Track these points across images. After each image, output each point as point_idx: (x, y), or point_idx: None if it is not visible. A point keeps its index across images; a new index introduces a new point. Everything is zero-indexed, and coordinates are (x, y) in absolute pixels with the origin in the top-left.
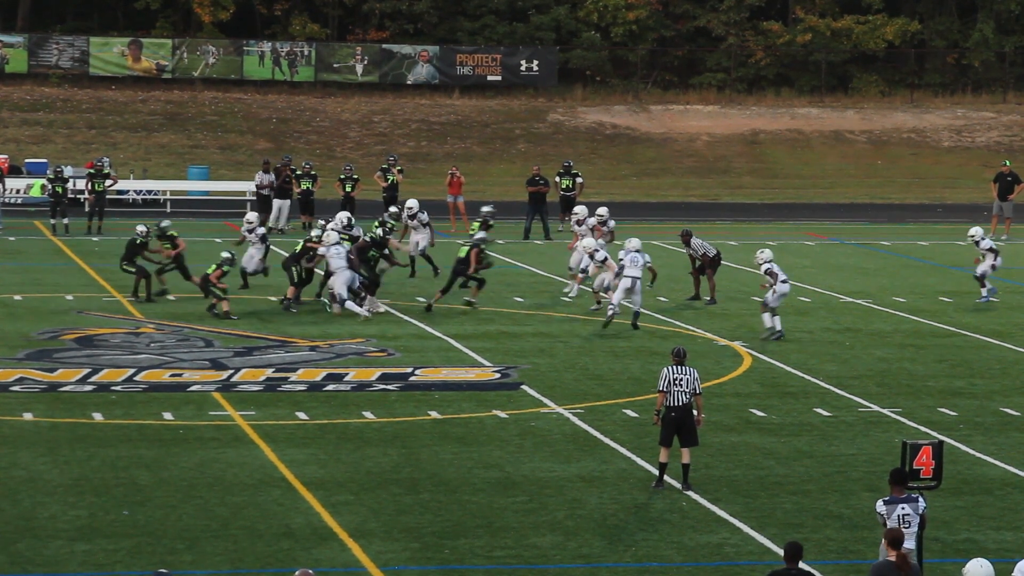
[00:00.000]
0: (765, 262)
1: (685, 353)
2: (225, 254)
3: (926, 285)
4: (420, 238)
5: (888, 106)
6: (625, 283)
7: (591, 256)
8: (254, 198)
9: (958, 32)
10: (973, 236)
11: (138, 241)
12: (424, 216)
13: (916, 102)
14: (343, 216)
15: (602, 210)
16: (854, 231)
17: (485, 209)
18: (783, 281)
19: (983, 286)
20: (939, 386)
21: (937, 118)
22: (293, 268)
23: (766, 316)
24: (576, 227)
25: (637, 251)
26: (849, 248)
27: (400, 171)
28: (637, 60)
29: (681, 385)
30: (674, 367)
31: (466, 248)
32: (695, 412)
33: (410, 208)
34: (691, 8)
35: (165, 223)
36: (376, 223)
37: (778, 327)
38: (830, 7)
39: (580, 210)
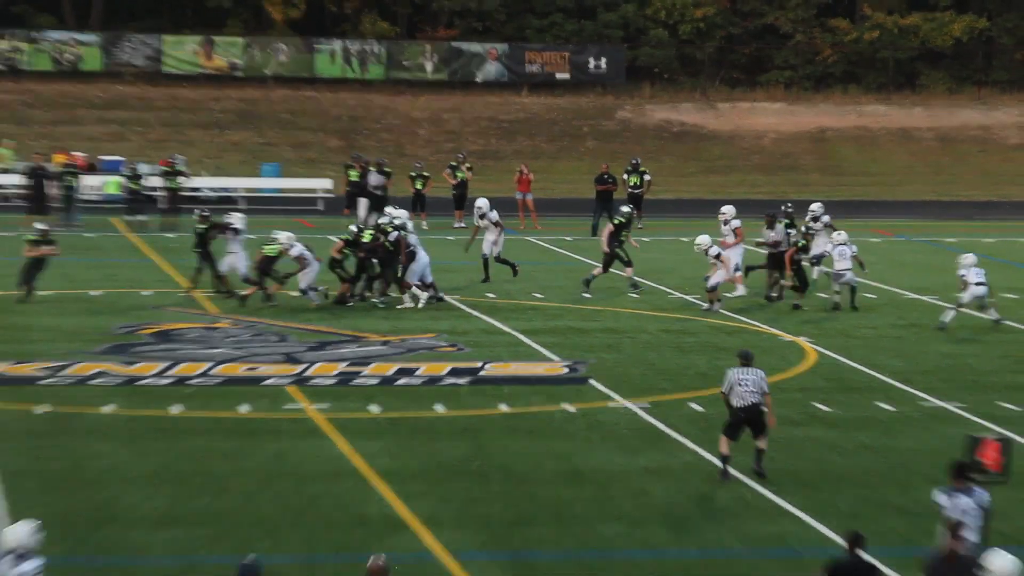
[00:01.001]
0: (965, 267)
1: (751, 356)
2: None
3: (991, 281)
4: (492, 237)
5: (955, 103)
6: (838, 276)
7: (706, 253)
8: (330, 195)
9: None
10: None
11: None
12: (494, 215)
13: (984, 99)
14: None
15: (726, 208)
16: (921, 228)
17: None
18: (977, 284)
19: None
20: (1003, 381)
21: (1005, 115)
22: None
23: (950, 312)
24: (722, 227)
25: (844, 244)
26: (915, 245)
27: (470, 168)
28: (704, 57)
29: (747, 386)
30: (739, 368)
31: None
32: (765, 410)
33: (479, 208)
34: (759, 5)
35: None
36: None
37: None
38: (898, 4)
39: (727, 209)
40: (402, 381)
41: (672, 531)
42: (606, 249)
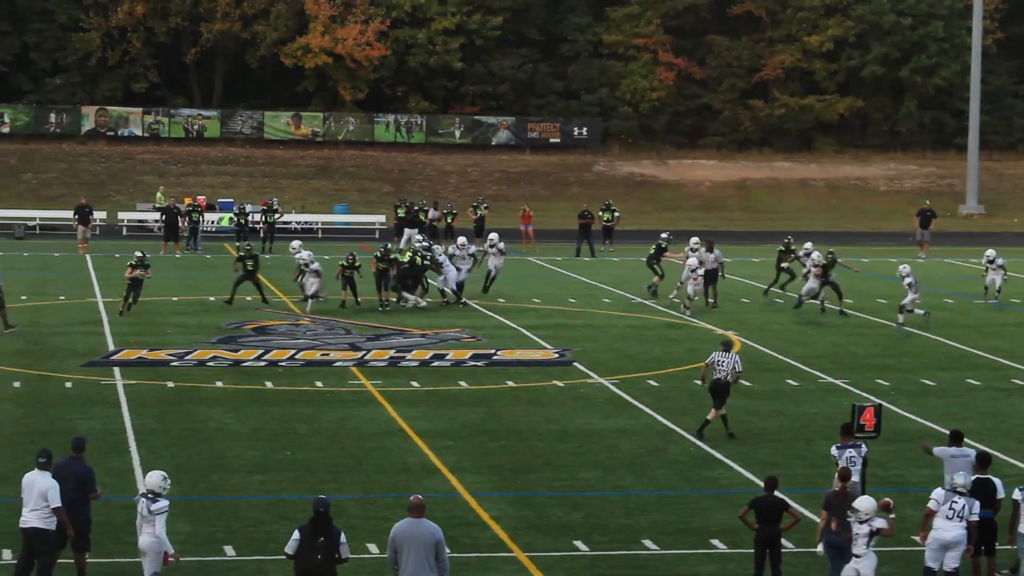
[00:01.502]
0: (905, 275)
1: (731, 343)
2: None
3: (868, 291)
4: (496, 262)
5: (840, 161)
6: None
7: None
8: (384, 227)
9: (891, 108)
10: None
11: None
12: (502, 245)
13: (861, 158)
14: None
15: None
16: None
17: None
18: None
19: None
20: (877, 363)
21: (876, 170)
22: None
23: (900, 315)
24: (804, 259)
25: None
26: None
27: (487, 207)
28: (659, 127)
29: (722, 366)
30: (721, 352)
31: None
32: (731, 383)
33: (491, 239)
34: (698, 90)
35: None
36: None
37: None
38: (798, 89)
39: (809, 246)
40: (436, 363)
41: (635, 476)
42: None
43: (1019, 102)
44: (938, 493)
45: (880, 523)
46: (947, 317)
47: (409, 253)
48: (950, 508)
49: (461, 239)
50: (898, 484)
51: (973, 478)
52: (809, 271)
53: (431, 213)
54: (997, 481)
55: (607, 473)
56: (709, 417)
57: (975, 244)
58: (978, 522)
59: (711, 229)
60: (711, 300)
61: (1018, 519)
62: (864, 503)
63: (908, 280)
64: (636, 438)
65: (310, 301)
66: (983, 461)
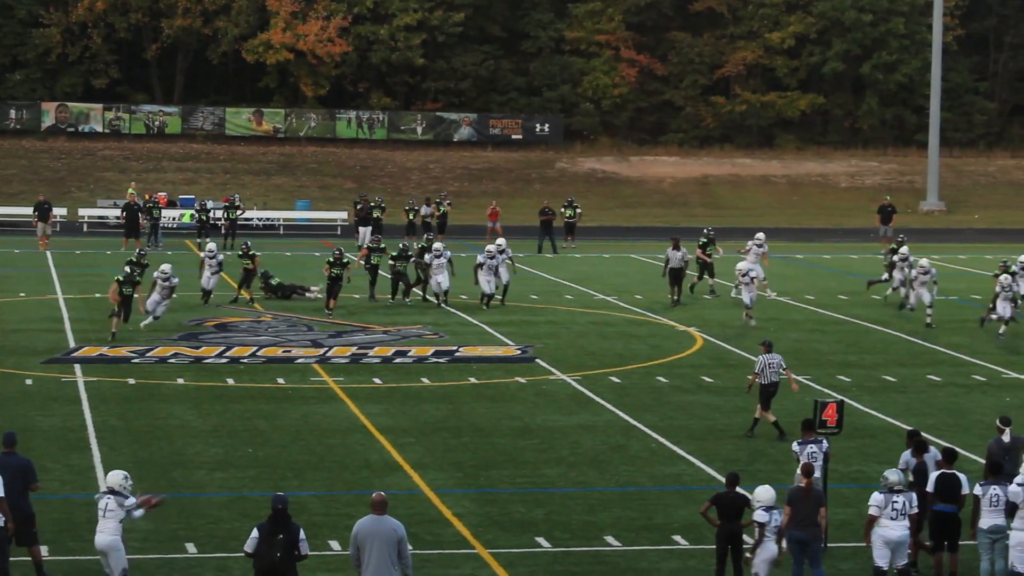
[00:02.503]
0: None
1: (771, 344)
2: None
3: (828, 287)
4: (441, 278)
5: (802, 158)
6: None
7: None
8: (345, 223)
9: (852, 104)
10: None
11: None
12: (511, 252)
13: (822, 154)
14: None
15: (760, 235)
16: (777, 247)
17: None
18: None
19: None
20: (838, 360)
21: (837, 166)
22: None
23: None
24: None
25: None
26: (773, 260)
27: (450, 204)
28: (620, 124)
29: (772, 367)
30: (765, 355)
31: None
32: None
33: (437, 249)
34: (659, 86)
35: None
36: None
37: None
38: (759, 86)
39: (760, 236)
40: (398, 360)
41: (598, 472)
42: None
43: (979, 99)
44: (876, 498)
45: (777, 516)
46: (908, 313)
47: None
48: (892, 508)
49: (437, 245)
50: (859, 480)
51: (938, 473)
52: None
53: (423, 210)
54: (962, 477)
55: (569, 469)
56: (757, 416)
57: (936, 241)
58: (939, 517)
59: (672, 226)
60: (675, 298)
61: (979, 514)
62: (763, 493)
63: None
64: (598, 434)
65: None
66: (949, 457)
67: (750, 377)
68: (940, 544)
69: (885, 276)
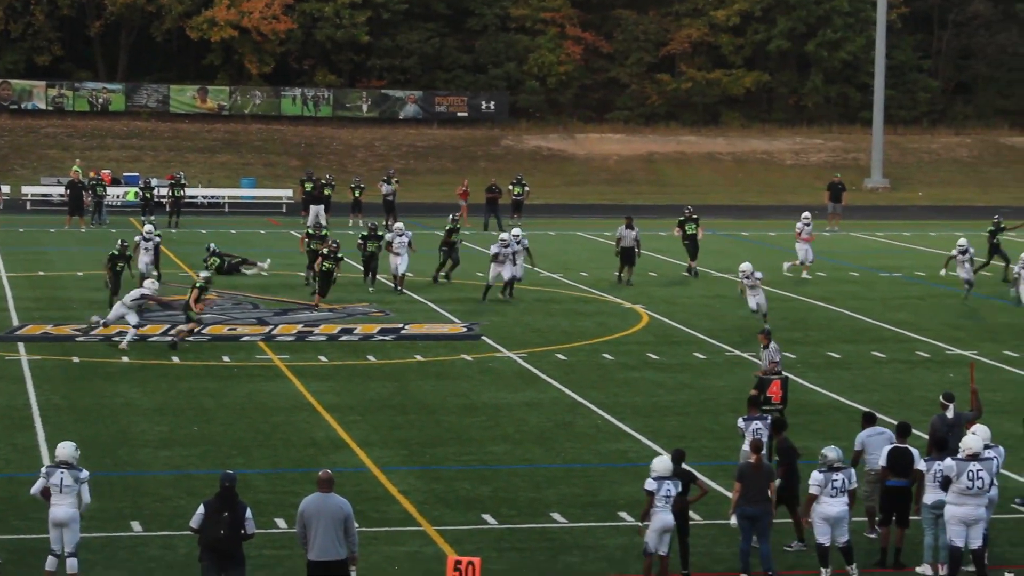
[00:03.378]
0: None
1: (770, 332)
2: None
3: (774, 264)
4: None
5: (747, 135)
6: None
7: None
8: (290, 201)
9: (797, 82)
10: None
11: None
12: (527, 242)
13: (767, 132)
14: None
15: (806, 215)
16: (723, 225)
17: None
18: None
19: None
20: (783, 336)
21: (782, 144)
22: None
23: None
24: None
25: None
26: (719, 237)
27: (398, 182)
28: (566, 101)
29: (774, 356)
30: (767, 348)
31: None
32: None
33: (399, 228)
34: (605, 64)
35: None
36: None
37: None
38: (705, 64)
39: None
40: (344, 338)
41: (544, 449)
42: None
43: (923, 76)
44: (816, 476)
45: (669, 487)
46: (853, 290)
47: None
48: (831, 486)
49: (398, 225)
50: (804, 456)
51: (891, 447)
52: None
53: (384, 188)
54: (914, 451)
55: (515, 447)
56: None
57: (880, 218)
58: (890, 491)
59: (618, 203)
60: (623, 276)
61: (923, 489)
62: (657, 463)
63: (968, 254)
64: (544, 411)
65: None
66: (903, 431)
67: (758, 374)
68: (889, 518)
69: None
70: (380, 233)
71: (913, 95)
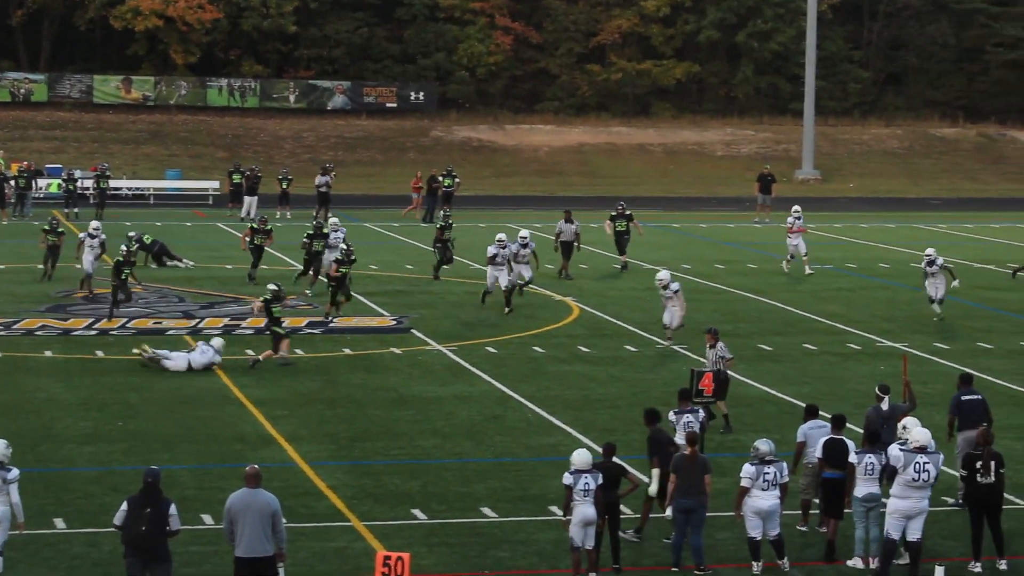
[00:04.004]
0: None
1: (716, 332)
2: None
3: (705, 256)
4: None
5: (678, 126)
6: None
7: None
8: (217, 193)
9: (727, 73)
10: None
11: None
12: (534, 245)
13: (698, 123)
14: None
15: (796, 208)
16: (653, 216)
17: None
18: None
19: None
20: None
21: (713, 135)
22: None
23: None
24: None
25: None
26: (649, 229)
27: (334, 174)
28: (496, 92)
29: (723, 357)
30: (713, 347)
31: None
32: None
33: (334, 224)
34: (535, 54)
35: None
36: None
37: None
38: (635, 54)
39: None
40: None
41: (474, 443)
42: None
43: (853, 67)
44: (747, 469)
45: (588, 480)
46: (783, 282)
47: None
48: (763, 479)
49: (334, 220)
50: (735, 449)
51: (826, 439)
52: None
53: (318, 179)
54: (850, 443)
55: (445, 441)
56: (725, 411)
57: (811, 209)
58: (827, 483)
59: (549, 195)
60: (564, 271)
61: (854, 483)
62: (577, 456)
63: (936, 264)
64: (474, 405)
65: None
66: (838, 423)
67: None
68: (826, 509)
69: None
70: (327, 231)
71: (844, 86)
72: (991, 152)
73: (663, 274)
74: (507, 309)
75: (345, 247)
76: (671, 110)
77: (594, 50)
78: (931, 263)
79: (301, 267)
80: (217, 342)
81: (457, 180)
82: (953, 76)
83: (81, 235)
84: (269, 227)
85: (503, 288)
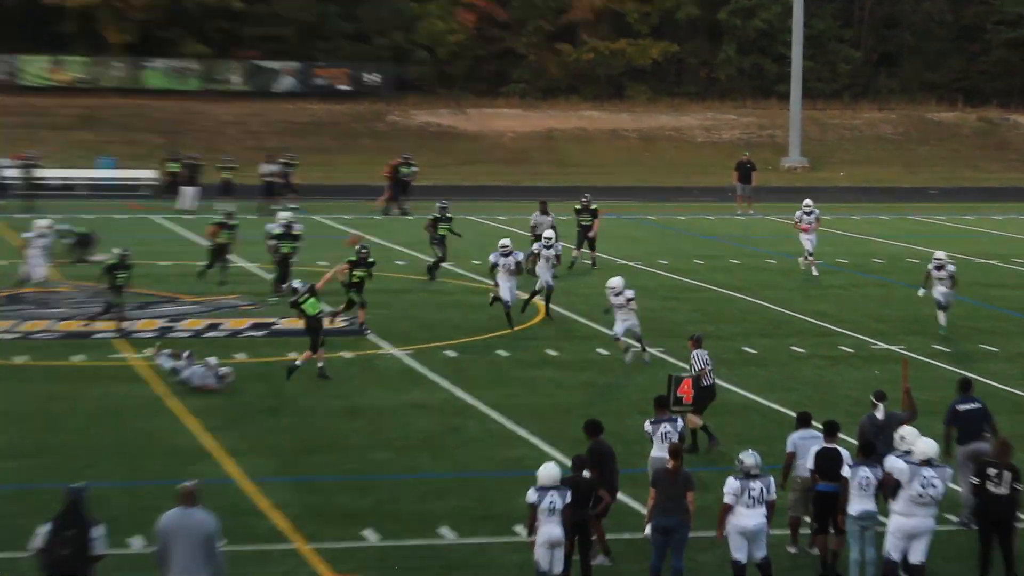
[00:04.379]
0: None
1: (700, 338)
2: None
3: (683, 250)
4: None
5: (654, 110)
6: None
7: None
8: (154, 183)
9: (708, 52)
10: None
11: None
12: (560, 246)
13: (676, 107)
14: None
15: (807, 202)
16: (627, 208)
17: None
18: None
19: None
20: (694, 330)
21: (692, 119)
22: None
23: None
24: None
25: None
26: (623, 221)
27: (297, 163)
28: (457, 74)
29: (709, 365)
30: (697, 351)
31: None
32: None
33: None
34: (500, 33)
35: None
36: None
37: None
38: (608, 33)
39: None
40: (211, 334)
41: (431, 456)
42: None
43: (844, 47)
44: (731, 484)
45: (554, 498)
46: (769, 279)
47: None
48: (748, 496)
49: (285, 214)
50: (718, 462)
51: (819, 449)
52: None
53: (262, 168)
54: (845, 453)
55: (400, 454)
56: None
57: (798, 200)
58: (822, 496)
59: (514, 184)
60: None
61: (847, 498)
62: (543, 471)
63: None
64: (432, 415)
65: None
66: (831, 430)
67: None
68: (824, 526)
69: None
70: (296, 232)
71: (833, 67)
72: (993, 138)
73: (615, 281)
74: (509, 320)
75: (364, 249)
76: (647, 92)
77: (564, 28)
78: (940, 267)
79: (274, 275)
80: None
81: (415, 168)
82: (951, 56)
83: (27, 235)
84: (236, 223)
85: (504, 300)
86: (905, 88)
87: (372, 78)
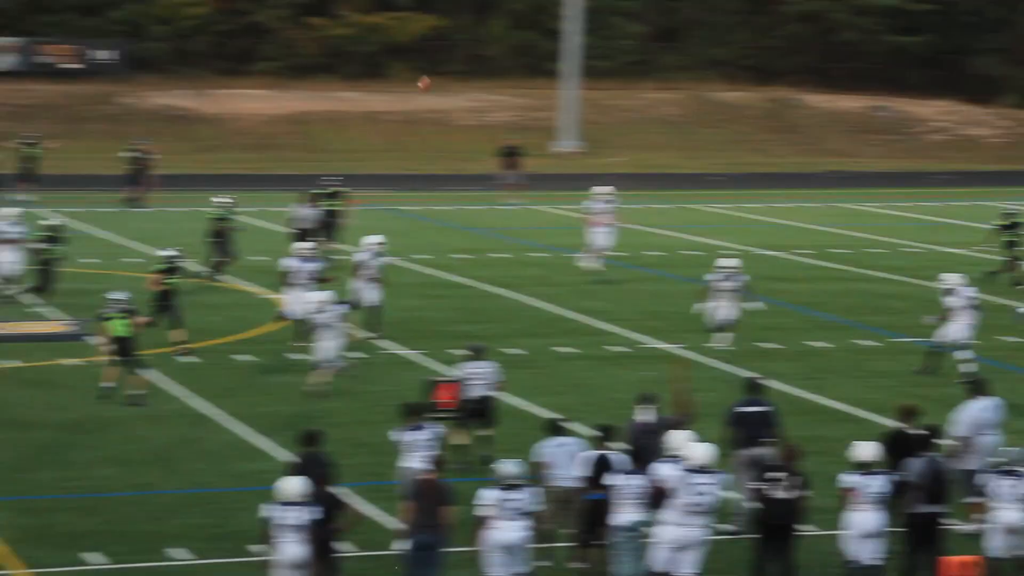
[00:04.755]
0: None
1: (483, 348)
2: None
3: (443, 244)
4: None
5: (416, 91)
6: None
7: None
8: None
9: (475, 27)
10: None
11: None
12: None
13: (440, 87)
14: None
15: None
16: (384, 198)
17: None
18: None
19: None
20: (453, 330)
21: (458, 100)
22: None
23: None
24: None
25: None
26: (379, 212)
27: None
28: (198, 51)
29: (483, 377)
30: (472, 363)
31: None
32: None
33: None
34: (246, 4)
35: None
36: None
37: None
38: (366, 5)
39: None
40: None
41: (163, 471)
42: None
43: (624, 20)
44: (489, 495)
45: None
46: (538, 274)
47: None
48: (507, 507)
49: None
50: (480, 473)
51: (590, 454)
52: None
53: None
54: (617, 459)
55: (127, 469)
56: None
57: (571, 188)
58: (595, 505)
59: (263, 173)
60: None
61: (613, 509)
62: (286, 487)
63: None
64: (164, 426)
65: None
66: (607, 435)
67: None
68: (592, 538)
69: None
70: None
71: (612, 43)
72: (782, 119)
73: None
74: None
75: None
76: (408, 71)
77: (318, 1)
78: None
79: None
80: None
81: (152, 156)
82: (738, 31)
83: None
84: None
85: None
86: (689, 65)
87: (104, 56)
